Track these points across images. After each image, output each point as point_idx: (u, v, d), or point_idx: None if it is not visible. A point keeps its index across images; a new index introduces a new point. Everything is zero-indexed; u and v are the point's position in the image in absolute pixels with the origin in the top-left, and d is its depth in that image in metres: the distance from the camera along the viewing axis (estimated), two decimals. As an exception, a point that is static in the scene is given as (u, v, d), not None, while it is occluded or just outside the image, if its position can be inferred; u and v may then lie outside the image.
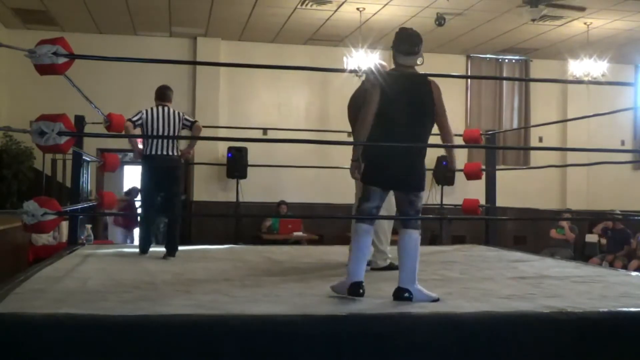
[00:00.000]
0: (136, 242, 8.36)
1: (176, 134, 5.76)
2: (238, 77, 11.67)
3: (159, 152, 5.69)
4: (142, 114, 5.75)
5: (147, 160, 5.76)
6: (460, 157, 11.07)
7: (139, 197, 7.41)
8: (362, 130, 3.73)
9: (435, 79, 3.89)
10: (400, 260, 3.66)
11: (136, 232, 9.54)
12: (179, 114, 5.82)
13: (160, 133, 5.69)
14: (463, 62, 12.35)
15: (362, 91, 4.96)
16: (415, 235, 3.67)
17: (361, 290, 3.57)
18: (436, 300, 3.51)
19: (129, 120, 5.74)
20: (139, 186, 6.50)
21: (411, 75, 3.80)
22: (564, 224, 10.72)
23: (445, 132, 3.89)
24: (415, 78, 3.81)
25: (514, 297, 3.67)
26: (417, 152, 3.78)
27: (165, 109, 5.79)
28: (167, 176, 5.76)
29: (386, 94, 3.68)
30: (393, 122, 3.69)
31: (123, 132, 5.94)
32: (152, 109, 5.79)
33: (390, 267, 4.79)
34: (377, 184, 3.72)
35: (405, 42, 3.77)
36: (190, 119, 5.90)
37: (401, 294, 3.54)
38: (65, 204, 6.37)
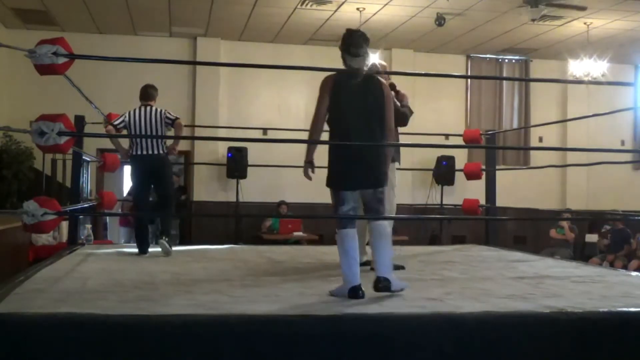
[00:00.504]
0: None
1: (159, 132, 5.77)
2: (238, 77, 11.67)
3: (145, 152, 5.74)
4: (125, 116, 5.81)
5: (134, 161, 5.83)
6: (461, 157, 11.09)
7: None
8: (313, 135, 3.89)
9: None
10: (375, 252, 3.78)
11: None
12: (160, 111, 5.84)
13: (143, 133, 5.74)
14: (463, 62, 12.34)
15: None
16: (388, 228, 3.83)
17: (360, 293, 3.60)
18: (402, 289, 3.69)
19: (111, 124, 5.81)
20: None
21: (363, 77, 3.84)
22: (564, 224, 10.72)
23: (390, 130, 3.91)
24: (368, 79, 3.86)
25: (514, 297, 3.67)
26: (375, 152, 3.82)
27: (148, 108, 5.83)
28: (155, 175, 5.83)
29: (338, 98, 3.76)
30: (349, 125, 3.77)
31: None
32: (135, 110, 5.84)
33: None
34: (344, 187, 3.80)
35: (350, 44, 3.83)
36: (172, 117, 5.85)
37: (380, 283, 3.67)
38: (65, 204, 6.36)
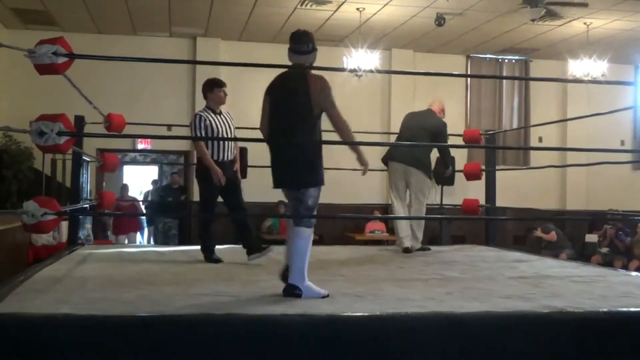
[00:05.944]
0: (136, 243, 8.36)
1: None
2: (238, 77, 11.65)
3: (226, 159, 5.63)
4: (204, 119, 5.48)
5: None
6: (460, 157, 11.09)
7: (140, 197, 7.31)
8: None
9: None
10: (290, 257, 3.69)
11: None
12: (231, 118, 5.73)
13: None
14: (463, 62, 12.34)
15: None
16: (305, 233, 3.69)
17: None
18: (326, 296, 3.54)
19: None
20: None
21: (286, 73, 3.92)
22: (539, 233, 10.68)
23: (337, 128, 3.83)
24: (290, 75, 3.90)
25: (514, 297, 3.67)
26: (295, 150, 3.76)
27: (224, 114, 5.66)
28: (230, 182, 5.62)
29: (271, 98, 3.90)
30: (273, 123, 3.86)
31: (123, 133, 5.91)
32: (211, 114, 5.55)
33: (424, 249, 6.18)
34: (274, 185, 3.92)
35: (293, 41, 3.89)
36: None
37: (291, 291, 3.59)
38: (65, 204, 6.36)
